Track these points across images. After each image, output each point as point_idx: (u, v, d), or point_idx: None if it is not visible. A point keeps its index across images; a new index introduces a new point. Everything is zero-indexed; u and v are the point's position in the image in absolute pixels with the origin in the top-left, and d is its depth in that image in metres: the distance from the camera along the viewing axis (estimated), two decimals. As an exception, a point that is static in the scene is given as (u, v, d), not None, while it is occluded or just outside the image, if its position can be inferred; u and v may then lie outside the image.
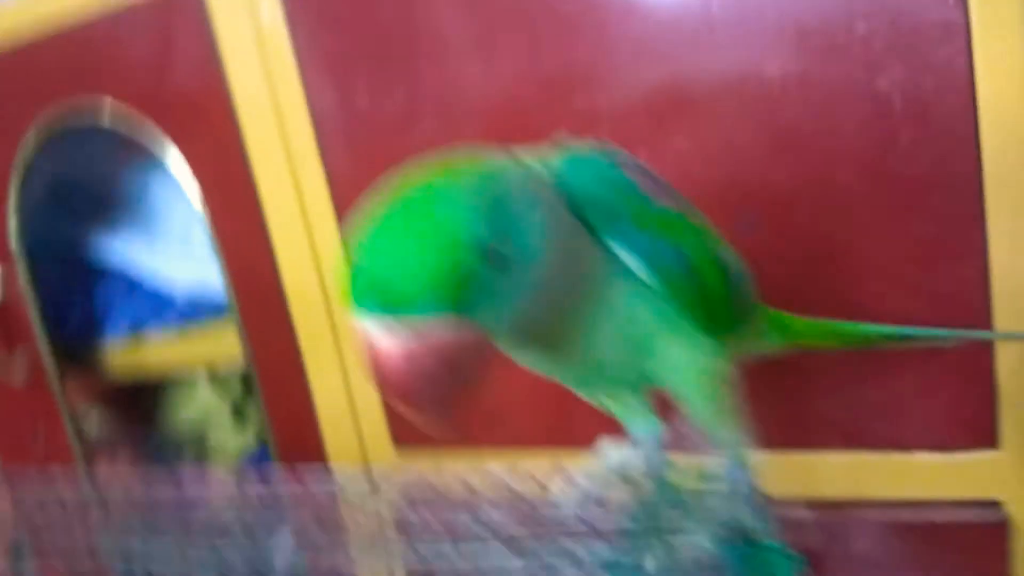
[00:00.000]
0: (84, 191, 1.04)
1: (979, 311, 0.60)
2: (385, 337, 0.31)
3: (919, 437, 0.64)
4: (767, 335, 0.51)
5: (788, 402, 0.67)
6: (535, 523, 0.45)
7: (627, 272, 0.40)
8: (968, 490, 0.64)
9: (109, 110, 0.82)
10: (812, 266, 0.63)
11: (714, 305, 0.43)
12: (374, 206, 0.34)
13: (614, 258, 0.40)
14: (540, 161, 0.41)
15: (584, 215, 0.39)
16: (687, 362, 0.42)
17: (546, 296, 0.36)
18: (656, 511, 0.42)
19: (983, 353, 0.61)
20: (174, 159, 0.82)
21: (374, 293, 0.32)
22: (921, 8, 0.56)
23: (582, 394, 0.47)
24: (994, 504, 0.64)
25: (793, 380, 0.66)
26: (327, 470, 0.58)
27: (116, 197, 1.04)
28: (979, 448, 0.63)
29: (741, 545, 0.62)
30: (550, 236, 0.35)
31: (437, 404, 0.33)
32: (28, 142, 0.88)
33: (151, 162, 0.93)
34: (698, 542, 0.41)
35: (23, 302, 0.94)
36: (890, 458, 0.65)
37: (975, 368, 0.61)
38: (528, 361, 0.42)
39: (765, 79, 0.61)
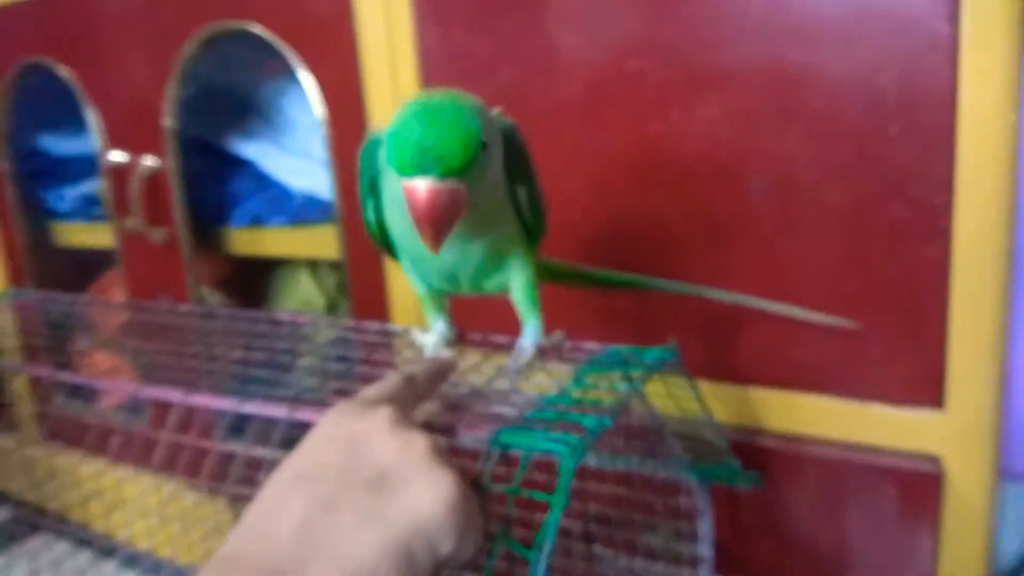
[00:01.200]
0: (230, 97, 1.23)
1: (936, 293, 0.70)
2: (423, 185, 0.49)
3: (876, 390, 0.74)
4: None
5: (768, 345, 0.78)
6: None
7: (516, 204, 0.60)
8: (912, 443, 0.74)
9: (256, 30, 1.00)
10: (808, 226, 0.74)
11: (537, 238, 0.64)
12: (409, 106, 0.50)
13: (514, 194, 0.60)
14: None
15: (507, 161, 0.58)
16: (523, 271, 0.62)
17: (486, 191, 0.54)
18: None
19: (938, 323, 0.71)
20: (306, 80, 0.99)
21: (420, 163, 0.49)
22: (918, 20, 0.66)
23: (429, 284, 0.65)
24: (933, 458, 0.73)
25: (776, 328, 0.77)
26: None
27: (256, 105, 1.23)
28: (926, 407, 0.73)
29: (706, 462, 0.75)
30: (496, 153, 0.54)
31: (441, 228, 0.50)
32: (186, 50, 1.07)
33: (288, 79, 1.10)
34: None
35: (170, 183, 1.14)
36: (849, 405, 0.76)
37: (931, 336, 0.71)
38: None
39: (786, 65, 0.72)
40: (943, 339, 0.71)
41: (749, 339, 0.79)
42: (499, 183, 0.56)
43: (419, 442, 0.42)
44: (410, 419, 0.45)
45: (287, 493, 0.40)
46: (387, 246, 0.64)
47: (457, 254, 0.59)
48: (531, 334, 0.62)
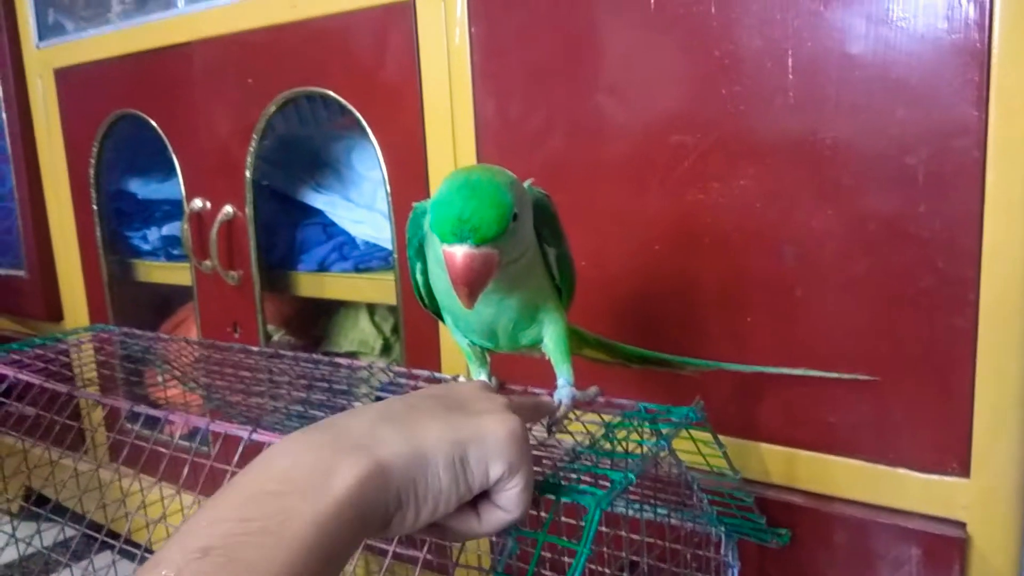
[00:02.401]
0: (303, 149, 1.32)
1: (962, 363, 0.73)
2: (460, 251, 0.55)
3: (903, 457, 0.77)
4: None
5: (799, 409, 0.82)
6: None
7: (546, 265, 0.66)
8: (938, 508, 0.76)
9: (331, 94, 1.08)
10: (837, 294, 0.78)
11: (567, 297, 0.70)
12: (449, 180, 0.56)
13: (544, 255, 0.65)
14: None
15: (538, 226, 0.64)
16: (555, 324, 0.68)
17: (517, 253, 0.60)
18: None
19: (965, 395, 0.73)
20: (373, 140, 1.06)
21: (459, 232, 0.55)
22: (948, 105, 0.70)
23: (471, 339, 0.71)
24: (959, 524, 0.75)
25: (806, 393, 0.81)
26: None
27: (327, 158, 1.31)
28: (952, 475, 0.75)
29: (734, 517, 0.78)
30: (527, 220, 0.60)
31: (475, 288, 0.56)
32: (268, 109, 1.16)
33: (358, 134, 1.18)
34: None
35: (246, 229, 1.22)
36: (876, 468, 0.78)
37: (957, 406, 0.74)
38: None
39: (819, 141, 0.76)
40: (969, 410, 0.73)
41: (780, 402, 0.83)
42: (530, 245, 0.62)
43: (498, 398, 0.52)
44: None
45: (381, 403, 0.49)
46: (432, 306, 0.70)
47: (494, 309, 0.65)
48: (565, 384, 0.67)
